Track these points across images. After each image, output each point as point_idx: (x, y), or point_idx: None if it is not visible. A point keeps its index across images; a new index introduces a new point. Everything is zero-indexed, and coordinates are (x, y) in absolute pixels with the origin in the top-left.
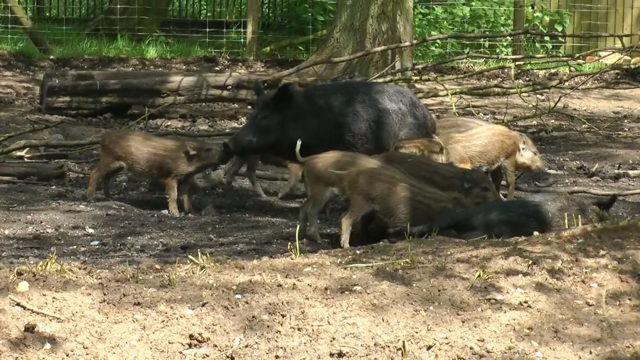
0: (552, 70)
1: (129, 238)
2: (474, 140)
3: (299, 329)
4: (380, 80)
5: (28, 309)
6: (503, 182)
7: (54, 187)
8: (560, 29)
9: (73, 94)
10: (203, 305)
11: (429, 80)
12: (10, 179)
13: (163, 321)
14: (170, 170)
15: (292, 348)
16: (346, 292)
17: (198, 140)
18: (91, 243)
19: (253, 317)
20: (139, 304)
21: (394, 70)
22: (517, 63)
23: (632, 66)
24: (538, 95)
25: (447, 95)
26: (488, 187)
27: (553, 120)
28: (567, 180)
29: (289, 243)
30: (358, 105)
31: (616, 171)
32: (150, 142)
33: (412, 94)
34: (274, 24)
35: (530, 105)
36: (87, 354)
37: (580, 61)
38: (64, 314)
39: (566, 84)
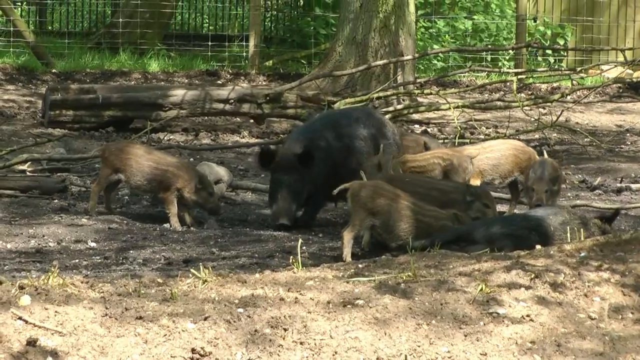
0: (555, 84)
1: (131, 252)
2: (487, 154)
3: (301, 343)
4: (382, 94)
5: (30, 323)
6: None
7: (56, 201)
8: (562, 42)
9: (75, 108)
10: (205, 319)
11: (431, 94)
12: (12, 192)
13: (165, 335)
14: (170, 185)
15: None
16: (348, 306)
17: (207, 179)
18: (93, 257)
19: (255, 331)
20: (141, 317)
21: (396, 84)
22: (519, 77)
23: (635, 80)
24: (540, 109)
25: (449, 109)
26: (489, 205)
27: (555, 134)
28: (569, 194)
29: (291, 257)
30: (345, 138)
31: (618, 185)
32: (150, 156)
33: (379, 114)
34: (276, 38)
35: (533, 119)
36: None
37: (583, 75)
38: (66, 328)
39: (568, 97)
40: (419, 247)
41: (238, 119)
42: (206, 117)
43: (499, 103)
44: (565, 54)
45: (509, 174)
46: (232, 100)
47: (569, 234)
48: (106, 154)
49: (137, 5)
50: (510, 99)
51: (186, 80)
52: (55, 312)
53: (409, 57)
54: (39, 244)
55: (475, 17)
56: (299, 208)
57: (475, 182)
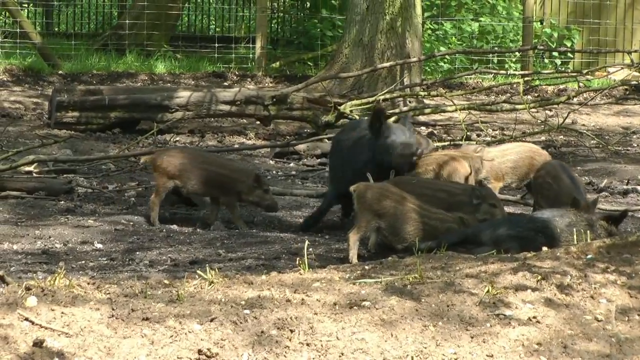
0: (561, 86)
1: (137, 253)
2: (507, 156)
3: (307, 345)
4: (388, 95)
5: (36, 324)
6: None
7: (62, 202)
8: (569, 44)
9: (82, 109)
10: (212, 320)
11: (437, 95)
12: (18, 194)
13: (172, 336)
14: (231, 189)
15: None
16: (355, 308)
17: (261, 178)
18: (99, 258)
19: (262, 332)
20: (147, 319)
21: (402, 85)
22: (526, 79)
23: None
24: (547, 111)
25: (455, 110)
26: (496, 204)
27: (562, 136)
28: None
29: (298, 258)
30: None
31: (625, 187)
32: (205, 160)
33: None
34: (282, 40)
35: (539, 121)
36: None
37: (589, 77)
38: (73, 329)
39: (575, 99)
40: (426, 249)
41: (244, 121)
42: (212, 119)
43: (505, 105)
44: (572, 56)
45: (525, 176)
46: (238, 102)
47: (575, 236)
48: (158, 162)
49: (143, 7)
50: (516, 101)
51: (193, 82)
52: (62, 313)
53: (416, 59)
54: (45, 245)
55: (481, 19)
56: None
57: (497, 185)
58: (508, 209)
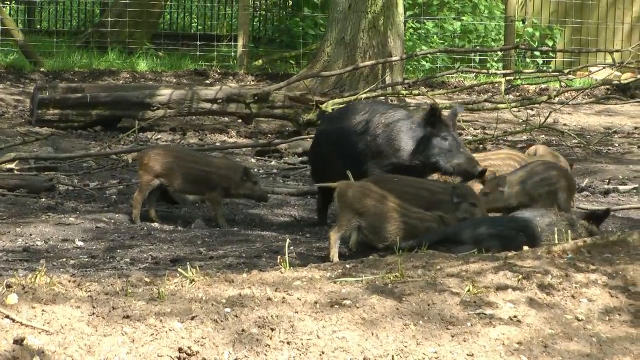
0: (543, 86)
1: (118, 251)
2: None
3: (288, 343)
4: (370, 94)
5: (17, 322)
6: None
7: (44, 200)
8: (551, 44)
9: (63, 107)
10: (192, 318)
11: (419, 95)
12: (0, 191)
13: (152, 334)
14: (216, 186)
15: None
16: (336, 307)
17: (249, 171)
18: (81, 256)
19: (243, 330)
20: (128, 317)
21: (384, 84)
22: (508, 78)
23: (623, 82)
24: (528, 111)
25: None
26: (476, 203)
27: (543, 136)
28: None
29: (279, 257)
30: None
31: (606, 187)
32: (192, 158)
33: None
34: (264, 38)
35: (521, 121)
36: None
37: (571, 77)
38: (53, 327)
39: (556, 99)
40: (407, 248)
41: (226, 119)
42: (194, 117)
43: (487, 104)
44: (554, 55)
45: None
46: (220, 100)
47: (556, 236)
48: (145, 160)
49: (126, 5)
50: (498, 100)
51: (175, 80)
52: (43, 311)
53: (398, 58)
54: (26, 243)
55: (464, 18)
56: None
57: None
58: None
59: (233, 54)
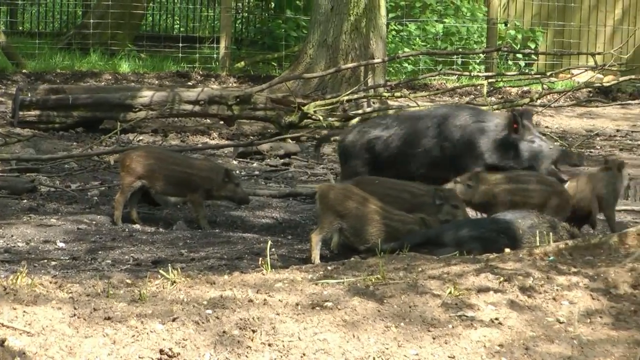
0: (525, 88)
1: (100, 252)
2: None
3: (269, 345)
4: (352, 96)
5: None
6: None
7: (25, 201)
8: (533, 46)
9: (45, 108)
10: (174, 320)
11: (401, 97)
12: None
13: (133, 336)
14: (198, 188)
15: None
16: (317, 308)
17: (231, 172)
18: (62, 258)
19: (224, 332)
20: (109, 318)
21: (366, 86)
22: (490, 80)
23: (605, 84)
24: None
25: None
26: (458, 205)
27: None
28: None
29: (260, 258)
30: None
31: None
32: (174, 160)
33: None
34: (246, 40)
35: None
36: None
37: (553, 79)
38: (34, 328)
39: (538, 101)
40: (388, 250)
41: (208, 121)
42: (176, 119)
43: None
44: (536, 58)
45: None
46: (201, 102)
47: (537, 238)
48: (127, 161)
49: (108, 6)
50: (480, 102)
51: (157, 82)
52: (24, 312)
53: (380, 60)
54: (7, 244)
55: (446, 20)
56: None
57: None
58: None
59: (215, 55)
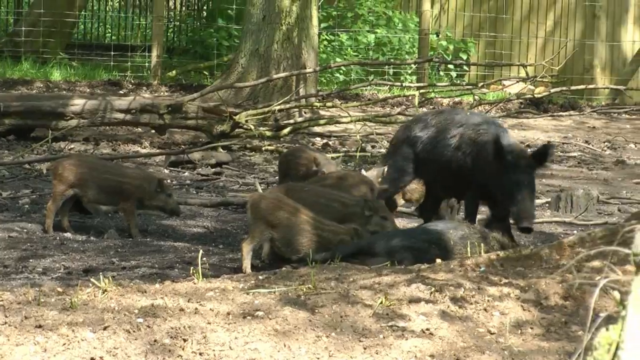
0: (457, 99)
1: (31, 261)
2: None
3: (200, 354)
4: (284, 106)
5: None
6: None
7: None
8: (464, 57)
9: None
10: (105, 328)
11: (332, 107)
12: None
13: (64, 344)
14: (130, 196)
15: None
16: (248, 318)
17: (164, 183)
18: None
19: (155, 341)
20: (40, 326)
21: (298, 96)
22: (421, 91)
23: (536, 95)
24: None
25: (350, 122)
26: (387, 217)
27: None
28: None
29: (192, 268)
30: None
31: None
32: (106, 168)
33: None
34: (178, 49)
35: None
36: None
37: (484, 90)
38: None
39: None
40: (320, 260)
41: (139, 129)
42: (107, 127)
43: (400, 117)
44: (467, 68)
45: None
46: (133, 111)
47: (469, 248)
48: (59, 170)
49: (39, 14)
50: (411, 113)
51: (88, 90)
52: None
53: (311, 69)
54: None
55: (378, 31)
56: None
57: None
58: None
59: (147, 64)
